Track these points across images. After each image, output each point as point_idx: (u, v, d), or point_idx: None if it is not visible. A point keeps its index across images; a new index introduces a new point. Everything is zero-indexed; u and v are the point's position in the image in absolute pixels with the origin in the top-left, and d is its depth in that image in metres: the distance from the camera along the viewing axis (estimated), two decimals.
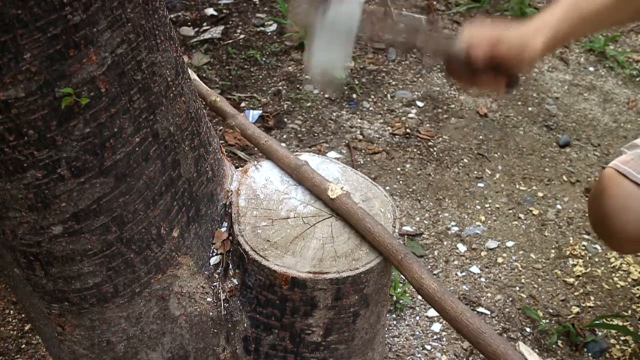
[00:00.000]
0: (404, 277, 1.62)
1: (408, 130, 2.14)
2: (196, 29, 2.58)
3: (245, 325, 1.04)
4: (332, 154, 2.02)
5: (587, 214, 1.86)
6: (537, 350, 1.49)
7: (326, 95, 2.26)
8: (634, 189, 1.17)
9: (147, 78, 0.82)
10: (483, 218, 1.85)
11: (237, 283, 1.03)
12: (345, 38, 0.95)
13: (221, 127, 2.11)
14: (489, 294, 1.62)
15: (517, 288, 1.64)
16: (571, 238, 1.80)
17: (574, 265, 1.72)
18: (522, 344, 0.80)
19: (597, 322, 1.53)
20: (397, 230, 1.03)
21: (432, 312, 1.57)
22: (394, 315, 1.56)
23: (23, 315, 1.52)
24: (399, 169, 2.00)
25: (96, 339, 0.96)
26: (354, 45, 0.98)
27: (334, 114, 2.19)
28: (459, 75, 1.07)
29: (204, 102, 1.18)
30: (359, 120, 2.17)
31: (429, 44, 1.02)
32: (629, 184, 1.18)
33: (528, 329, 1.54)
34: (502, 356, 0.79)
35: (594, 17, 1.02)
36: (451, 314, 0.87)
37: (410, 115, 2.22)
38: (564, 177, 2.00)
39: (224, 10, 2.69)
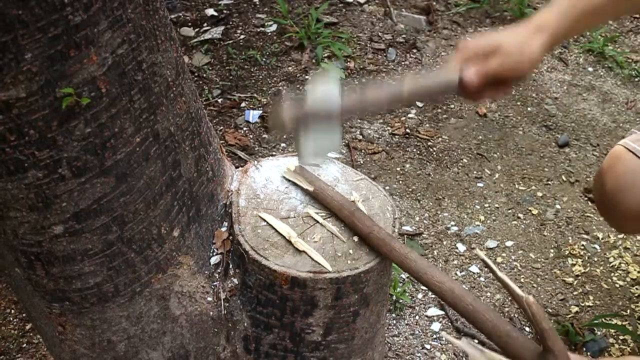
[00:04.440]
0: (403, 277, 1.62)
1: (408, 130, 2.14)
2: (196, 30, 2.58)
3: (246, 324, 1.04)
4: (332, 154, 2.03)
5: (586, 214, 1.86)
6: None
7: None
8: None
9: (147, 78, 0.82)
10: (482, 218, 1.85)
11: (237, 282, 1.03)
12: (329, 123, 0.91)
13: (221, 127, 2.11)
14: (489, 294, 1.63)
15: None
16: (570, 238, 1.80)
17: (573, 265, 1.72)
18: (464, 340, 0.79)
19: (596, 321, 1.53)
20: (396, 230, 1.03)
21: (431, 312, 1.57)
22: (393, 315, 1.56)
23: (24, 315, 1.52)
24: (398, 169, 2.00)
25: (97, 338, 0.96)
26: (341, 125, 0.94)
27: None
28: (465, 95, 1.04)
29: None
30: (358, 121, 2.18)
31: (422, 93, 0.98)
32: (637, 160, 1.18)
33: (528, 329, 1.54)
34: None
35: (594, 12, 1.01)
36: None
37: (410, 115, 2.22)
38: (563, 177, 2.00)
39: (224, 11, 2.69)
